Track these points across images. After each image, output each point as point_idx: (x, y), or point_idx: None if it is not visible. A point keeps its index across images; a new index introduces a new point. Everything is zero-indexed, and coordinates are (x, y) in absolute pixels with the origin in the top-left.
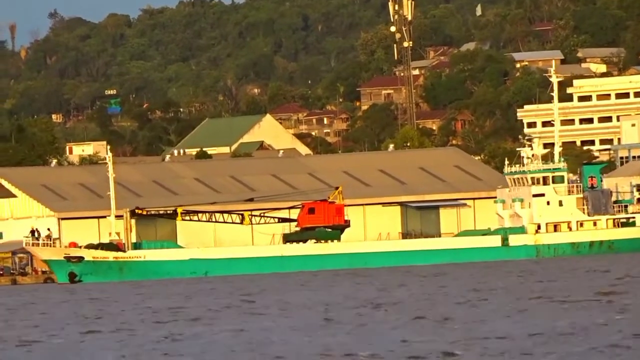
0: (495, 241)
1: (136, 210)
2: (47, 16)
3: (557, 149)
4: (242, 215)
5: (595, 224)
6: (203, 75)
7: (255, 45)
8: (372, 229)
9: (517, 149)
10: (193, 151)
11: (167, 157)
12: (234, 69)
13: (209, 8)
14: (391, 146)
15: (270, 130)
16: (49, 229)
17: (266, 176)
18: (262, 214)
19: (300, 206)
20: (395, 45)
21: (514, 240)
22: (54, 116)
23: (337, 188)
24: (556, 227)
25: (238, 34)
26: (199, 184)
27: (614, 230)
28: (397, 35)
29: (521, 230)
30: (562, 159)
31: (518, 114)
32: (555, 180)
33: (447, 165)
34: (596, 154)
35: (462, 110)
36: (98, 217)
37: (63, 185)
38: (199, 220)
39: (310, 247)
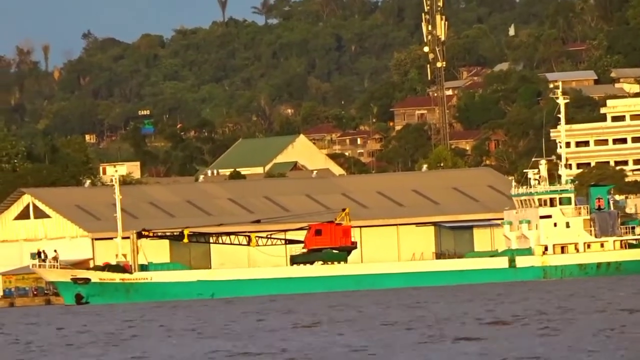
0: (502, 262)
1: (143, 232)
2: (81, 37)
3: (564, 171)
4: (249, 237)
5: (602, 245)
6: (236, 96)
7: (289, 65)
8: (406, 250)
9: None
10: (227, 171)
11: (201, 177)
12: (268, 89)
13: (242, 28)
14: (425, 166)
15: (303, 151)
16: (55, 251)
17: (300, 196)
18: (268, 236)
19: (307, 228)
20: (428, 65)
21: (521, 261)
22: (87, 136)
23: (344, 210)
24: (563, 249)
25: (272, 55)
26: (232, 204)
27: (621, 251)
28: (431, 56)
29: (528, 251)
30: (569, 181)
31: (551, 134)
32: (562, 201)
33: (480, 186)
34: (629, 174)
35: (495, 131)
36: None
37: (96, 205)
38: (206, 242)
39: (318, 269)
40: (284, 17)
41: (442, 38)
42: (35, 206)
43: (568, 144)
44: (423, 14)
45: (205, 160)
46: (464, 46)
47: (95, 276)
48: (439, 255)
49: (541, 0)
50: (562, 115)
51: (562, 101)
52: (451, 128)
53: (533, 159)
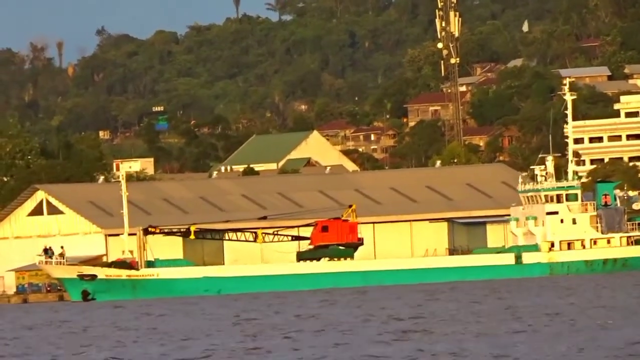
0: (508, 259)
1: (149, 229)
2: (95, 33)
3: (571, 167)
4: (255, 233)
5: (609, 241)
6: (250, 92)
7: (303, 62)
8: (419, 245)
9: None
10: (240, 168)
11: (215, 173)
12: (281, 85)
13: (256, 25)
14: (438, 162)
15: (317, 147)
16: (62, 247)
17: (313, 192)
18: (275, 232)
19: (314, 224)
20: (442, 61)
21: (528, 258)
22: (101, 133)
23: (350, 206)
24: (570, 245)
25: (285, 51)
26: (246, 200)
27: (627, 248)
28: (444, 52)
29: (534, 248)
30: (576, 177)
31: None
32: (568, 198)
33: (494, 182)
34: None
35: (509, 127)
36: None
37: (110, 201)
38: (212, 239)
39: (324, 265)
40: (297, 14)
41: (456, 34)
42: (48, 202)
43: (582, 140)
44: (437, 11)
45: (218, 157)
46: (478, 42)
47: (101, 272)
48: (452, 252)
49: None
50: (569, 112)
51: (569, 97)
52: (465, 124)
53: (540, 155)
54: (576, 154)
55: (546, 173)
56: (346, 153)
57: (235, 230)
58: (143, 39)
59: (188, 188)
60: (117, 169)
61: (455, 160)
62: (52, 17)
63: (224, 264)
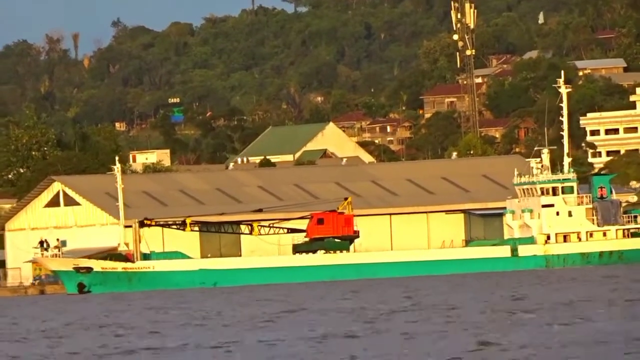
0: (504, 251)
1: (145, 221)
2: (110, 25)
3: (567, 159)
4: (251, 225)
5: (604, 234)
6: (266, 84)
7: (318, 53)
8: (436, 237)
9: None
10: (257, 159)
11: (231, 165)
12: (297, 77)
13: (272, 16)
14: (454, 154)
15: (333, 139)
16: (57, 239)
17: (330, 184)
18: (271, 225)
19: (309, 217)
20: (458, 53)
21: (524, 250)
22: (117, 124)
23: (346, 199)
24: (566, 238)
25: (301, 43)
26: (263, 191)
27: (623, 240)
28: (460, 44)
29: (530, 240)
30: (572, 170)
31: (581, 122)
32: (564, 190)
33: (510, 173)
34: None
35: (525, 118)
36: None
37: (126, 193)
38: (207, 231)
39: (320, 258)
40: (313, 5)
41: (472, 26)
42: (65, 194)
43: (598, 132)
44: (452, 2)
45: (235, 148)
46: (493, 34)
47: (97, 265)
48: (468, 243)
49: None
50: (564, 105)
51: (564, 90)
52: (481, 116)
53: (535, 148)
54: (592, 146)
55: (542, 166)
56: (362, 145)
57: (231, 223)
58: (159, 30)
59: (204, 179)
60: (134, 161)
61: (472, 152)
62: (67, 9)
63: (240, 255)
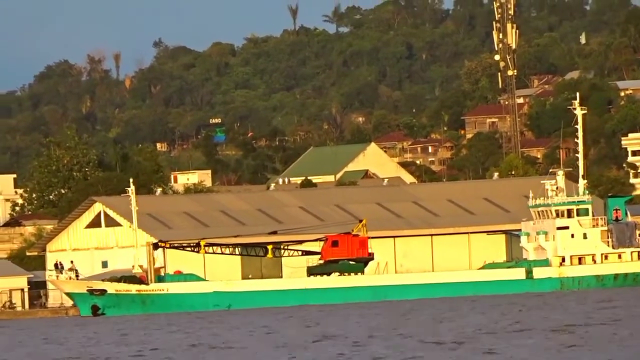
0: (519, 274)
1: (159, 243)
2: (152, 45)
3: (582, 181)
4: (265, 248)
5: (619, 256)
6: (307, 104)
7: (360, 73)
8: (477, 258)
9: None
10: (298, 180)
11: (272, 185)
12: (339, 97)
13: (313, 37)
14: (496, 174)
15: (374, 159)
16: (72, 262)
17: (371, 205)
18: (285, 247)
19: (324, 239)
20: (499, 73)
21: (538, 272)
22: (158, 145)
23: (361, 221)
24: (580, 260)
25: (342, 63)
26: (303, 212)
27: (638, 262)
28: (502, 64)
29: (545, 262)
30: (587, 192)
31: (622, 142)
32: (579, 212)
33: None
34: None
35: (566, 139)
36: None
37: (168, 214)
38: (222, 253)
39: (335, 280)
40: (354, 26)
41: (513, 46)
42: (106, 214)
43: (639, 152)
44: (494, 22)
45: (276, 169)
46: (535, 54)
47: (111, 287)
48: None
49: (612, 9)
50: (579, 127)
51: (579, 112)
52: (522, 136)
53: (550, 170)
54: (633, 166)
55: (557, 188)
56: (403, 165)
57: (245, 245)
58: (200, 50)
59: (245, 200)
60: (175, 181)
61: (513, 173)
62: (109, 29)
63: (282, 277)
